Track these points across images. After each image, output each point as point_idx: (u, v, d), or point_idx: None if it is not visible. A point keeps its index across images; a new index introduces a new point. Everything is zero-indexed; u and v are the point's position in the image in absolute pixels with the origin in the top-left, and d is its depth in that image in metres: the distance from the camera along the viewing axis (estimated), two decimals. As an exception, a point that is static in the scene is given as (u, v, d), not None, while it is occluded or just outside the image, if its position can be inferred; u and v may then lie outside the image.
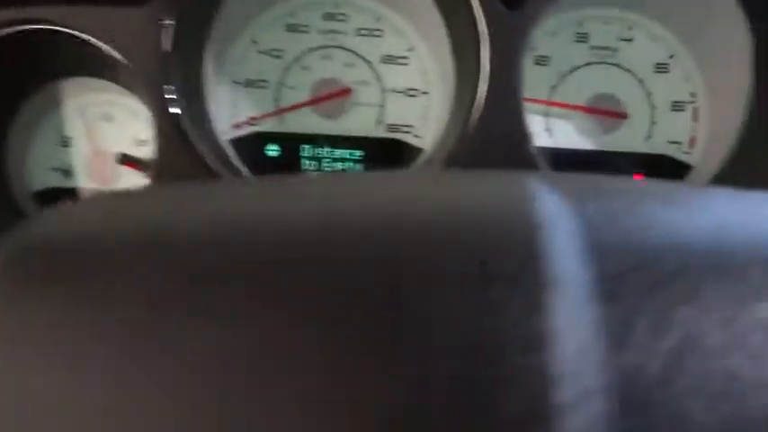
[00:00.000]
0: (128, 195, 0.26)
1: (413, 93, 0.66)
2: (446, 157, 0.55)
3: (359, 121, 0.67)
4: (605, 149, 0.66)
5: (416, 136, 0.66)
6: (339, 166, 0.67)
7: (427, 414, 0.14)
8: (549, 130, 0.66)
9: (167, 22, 0.55)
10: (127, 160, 0.68)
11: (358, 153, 0.67)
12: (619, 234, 0.18)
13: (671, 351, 0.15)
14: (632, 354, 0.15)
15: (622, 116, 0.66)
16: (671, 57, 0.66)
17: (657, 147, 0.66)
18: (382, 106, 0.66)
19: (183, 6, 0.56)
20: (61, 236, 0.20)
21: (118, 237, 0.20)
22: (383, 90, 0.66)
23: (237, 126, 0.67)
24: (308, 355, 0.16)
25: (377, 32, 0.66)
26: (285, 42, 0.66)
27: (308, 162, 0.67)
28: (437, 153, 0.61)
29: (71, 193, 0.68)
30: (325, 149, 0.67)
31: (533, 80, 0.66)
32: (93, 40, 0.54)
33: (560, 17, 0.66)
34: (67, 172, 0.68)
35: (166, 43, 0.55)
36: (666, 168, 0.66)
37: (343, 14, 0.66)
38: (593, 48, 0.66)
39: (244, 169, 0.65)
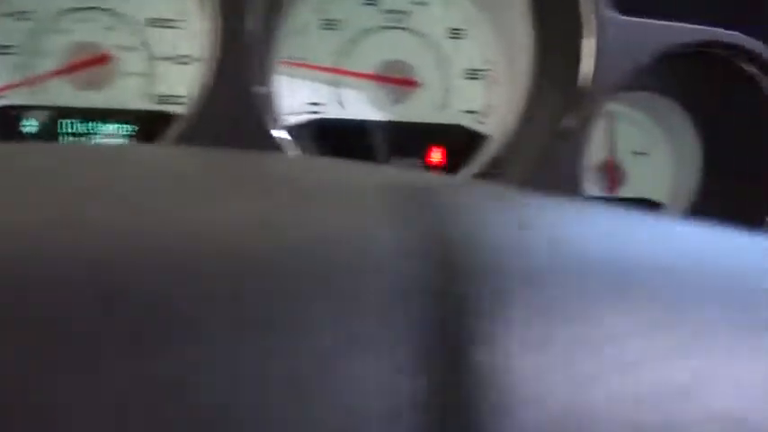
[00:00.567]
0: None
1: (185, 60, 0.59)
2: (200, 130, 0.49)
3: (125, 93, 0.59)
4: (398, 120, 0.62)
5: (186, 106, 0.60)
6: (107, 142, 0.60)
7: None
8: (340, 101, 0.62)
9: None
10: None
11: (128, 128, 0.60)
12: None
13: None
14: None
15: (414, 84, 0.62)
16: (466, 21, 0.63)
17: (452, 116, 0.63)
18: (150, 75, 0.59)
19: None
20: None
21: None
22: (151, 57, 0.59)
23: (-21, 97, 0.58)
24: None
25: (141, -9, 0.59)
26: (33, 2, 0.58)
27: (68, 138, 0.59)
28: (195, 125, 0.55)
29: None
30: (90, 125, 0.59)
31: (319, 46, 0.61)
32: None
33: (347, -23, 0.61)
34: None
35: None
36: (462, 139, 0.63)
37: (99, -29, 0.58)
38: (384, 11, 0.62)
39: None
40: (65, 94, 0.58)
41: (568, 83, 0.50)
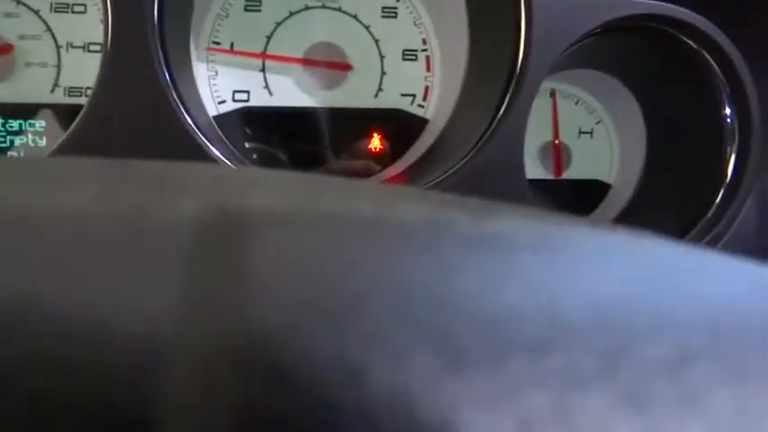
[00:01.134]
0: None
1: (95, 48, 0.55)
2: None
3: (31, 86, 0.54)
4: (332, 106, 0.59)
5: (106, 100, 0.55)
6: (17, 141, 0.55)
7: None
8: (268, 88, 0.58)
9: None
10: None
11: (38, 124, 0.55)
12: None
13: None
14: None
15: (347, 68, 0.58)
16: (398, 0, 0.59)
17: (389, 101, 0.59)
18: (58, 66, 0.54)
19: None
20: None
21: None
22: (58, 45, 0.54)
23: None
24: None
25: (43, -26, 0.54)
26: None
27: (-27, 139, 0.54)
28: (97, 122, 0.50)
29: None
30: (-3, 121, 0.54)
31: (244, 29, 0.57)
32: None
33: (270, -46, 0.57)
34: None
35: None
36: (400, 124, 0.60)
37: (-6, -49, 0.53)
38: (311, -10, 0.58)
39: None
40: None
41: (503, 63, 0.47)
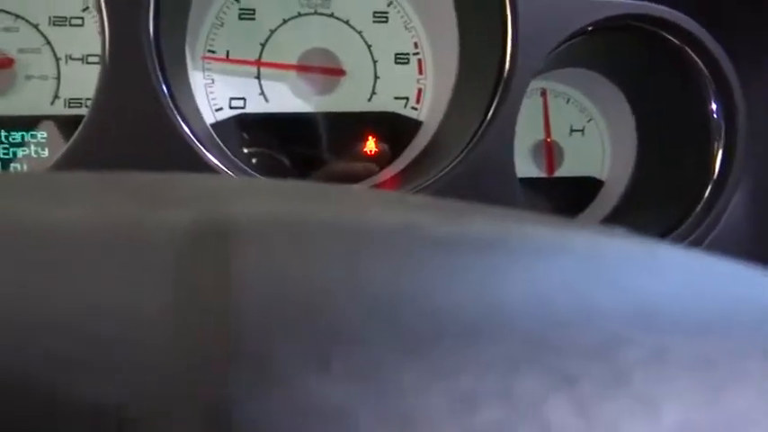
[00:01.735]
0: None
1: (93, 59, 0.56)
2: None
3: (32, 98, 0.56)
4: (327, 110, 0.60)
5: (105, 110, 0.56)
6: (19, 152, 0.56)
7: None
8: (264, 94, 0.59)
9: None
10: None
11: (40, 135, 0.56)
12: None
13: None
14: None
15: (341, 73, 0.59)
16: (389, 4, 0.60)
17: (383, 104, 0.61)
18: (57, 78, 0.56)
19: None
20: None
21: None
22: (57, 58, 0.56)
23: None
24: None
25: (41, -12, 0.55)
26: None
27: (-23, 152, 0.55)
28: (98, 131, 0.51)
29: None
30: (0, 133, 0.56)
31: (240, 37, 0.58)
32: None
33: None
34: None
35: None
36: (394, 127, 0.61)
37: (-7, -32, 0.54)
38: (304, -3, 0.59)
39: None
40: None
41: (492, 65, 0.48)
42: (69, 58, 0.55)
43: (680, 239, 0.53)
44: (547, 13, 0.46)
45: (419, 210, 0.16)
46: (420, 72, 0.61)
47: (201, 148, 0.47)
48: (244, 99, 0.58)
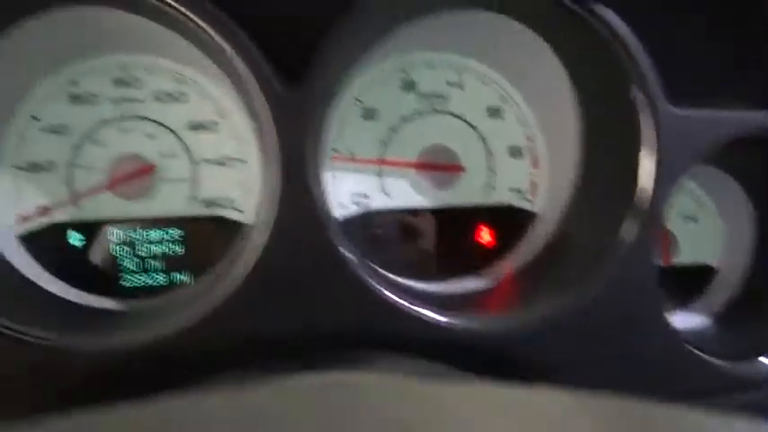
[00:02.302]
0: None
1: (228, 162, 0.59)
2: (267, 239, 0.48)
3: (169, 200, 0.59)
4: (445, 205, 0.61)
5: (238, 210, 0.59)
6: (156, 249, 0.59)
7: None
8: (385, 191, 0.61)
9: None
10: None
11: (176, 233, 0.59)
12: None
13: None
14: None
15: (459, 169, 0.61)
16: (503, 100, 0.62)
17: (498, 196, 0.62)
18: (194, 180, 0.59)
19: None
20: None
21: None
22: (193, 161, 0.59)
23: (26, 219, 0.57)
24: None
25: (179, 96, 0.58)
26: (71, 116, 0.57)
27: (119, 248, 0.59)
28: (258, 233, 0.54)
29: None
30: (138, 232, 0.59)
31: (362, 137, 0.60)
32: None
33: (383, 65, 0.60)
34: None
35: None
36: (510, 218, 0.62)
37: (136, 78, 0.58)
38: (421, 95, 0.61)
39: (37, 268, 0.56)
40: (110, 205, 0.58)
41: (625, 182, 0.48)
42: (205, 161, 0.58)
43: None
44: (686, 131, 0.47)
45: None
46: (534, 165, 0.62)
47: (337, 243, 0.49)
48: (366, 195, 0.60)
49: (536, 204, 0.62)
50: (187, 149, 0.58)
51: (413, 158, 0.61)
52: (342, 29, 0.45)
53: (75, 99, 0.57)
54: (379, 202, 0.61)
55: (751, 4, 0.50)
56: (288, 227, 0.46)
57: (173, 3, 0.43)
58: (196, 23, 0.44)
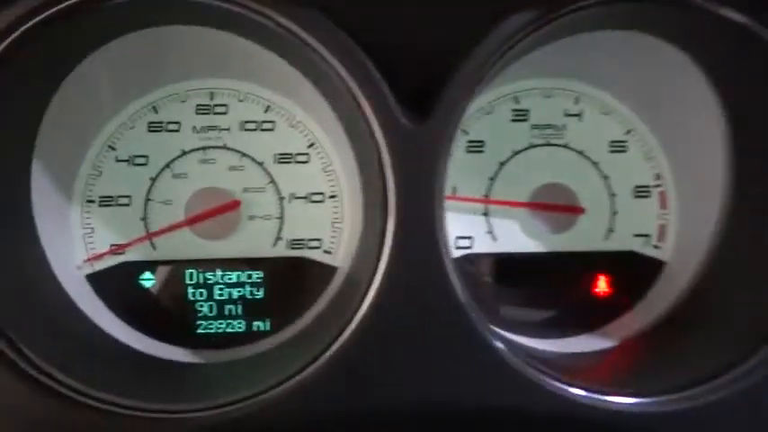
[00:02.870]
0: None
1: (317, 198, 0.53)
2: (366, 281, 0.42)
3: (253, 239, 0.53)
4: (560, 250, 0.54)
5: (326, 252, 0.53)
6: (234, 293, 0.53)
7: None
8: (492, 233, 0.54)
9: None
10: None
11: (256, 275, 0.53)
12: None
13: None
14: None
15: (579, 211, 0.54)
16: (628, 132, 0.55)
17: (621, 242, 0.54)
18: (280, 218, 0.53)
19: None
20: None
21: None
22: (280, 197, 0.53)
23: (97, 257, 0.52)
24: None
25: (267, 126, 0.53)
26: (149, 145, 0.52)
27: (194, 291, 0.53)
28: (354, 275, 0.48)
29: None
30: (217, 274, 0.53)
31: (467, 172, 0.53)
32: None
33: (494, 93, 0.53)
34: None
35: None
36: (633, 267, 0.54)
37: (222, 105, 0.52)
38: (534, 127, 0.54)
39: (105, 312, 0.51)
40: (186, 245, 0.52)
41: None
42: (293, 196, 0.53)
43: None
44: None
45: None
46: (663, 206, 0.54)
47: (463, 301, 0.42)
48: (471, 238, 0.53)
49: (665, 252, 0.54)
50: (274, 183, 0.52)
51: (524, 197, 0.53)
52: (474, 61, 0.39)
53: (154, 127, 0.52)
54: (485, 245, 0.54)
55: None
56: (402, 275, 0.40)
57: (299, 32, 0.38)
58: (320, 55, 0.39)
